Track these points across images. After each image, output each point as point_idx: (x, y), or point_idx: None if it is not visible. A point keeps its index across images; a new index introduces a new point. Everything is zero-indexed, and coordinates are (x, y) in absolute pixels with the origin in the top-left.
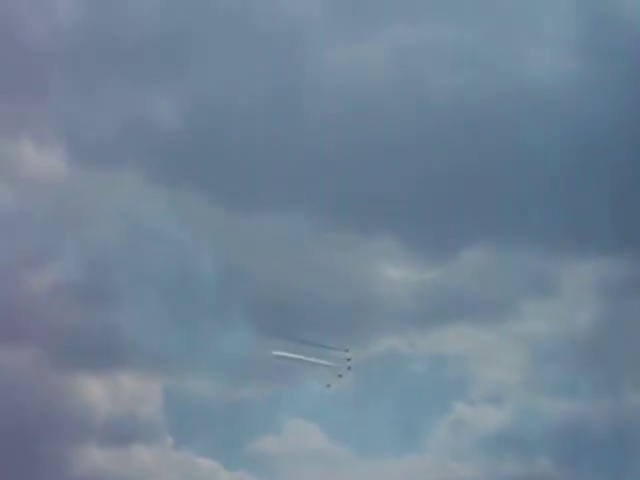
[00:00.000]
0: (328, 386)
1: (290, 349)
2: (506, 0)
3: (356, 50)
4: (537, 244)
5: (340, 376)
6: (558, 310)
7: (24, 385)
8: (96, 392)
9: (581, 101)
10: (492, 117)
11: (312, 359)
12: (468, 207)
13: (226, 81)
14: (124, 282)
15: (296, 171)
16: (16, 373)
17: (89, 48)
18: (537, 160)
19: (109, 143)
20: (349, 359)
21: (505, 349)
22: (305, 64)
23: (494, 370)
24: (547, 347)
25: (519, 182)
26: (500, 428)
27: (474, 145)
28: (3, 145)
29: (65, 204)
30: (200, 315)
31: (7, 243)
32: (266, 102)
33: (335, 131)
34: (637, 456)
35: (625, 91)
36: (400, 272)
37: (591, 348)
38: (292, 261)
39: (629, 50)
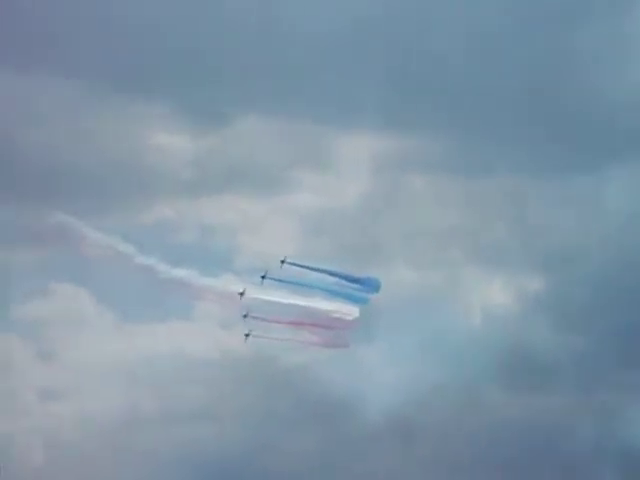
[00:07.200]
0: None
1: (66, 216)
2: None
3: None
4: (312, 115)
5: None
6: (330, 183)
7: None
8: None
9: None
10: None
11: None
12: (244, 73)
13: None
14: None
15: (73, 33)
16: None
17: None
18: (314, 33)
19: None
20: None
21: (275, 221)
22: None
23: (262, 242)
24: (317, 221)
25: (297, 53)
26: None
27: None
28: None
29: None
30: None
31: None
32: None
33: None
34: None
35: None
36: (173, 139)
37: (361, 223)
38: (65, 125)
39: None
